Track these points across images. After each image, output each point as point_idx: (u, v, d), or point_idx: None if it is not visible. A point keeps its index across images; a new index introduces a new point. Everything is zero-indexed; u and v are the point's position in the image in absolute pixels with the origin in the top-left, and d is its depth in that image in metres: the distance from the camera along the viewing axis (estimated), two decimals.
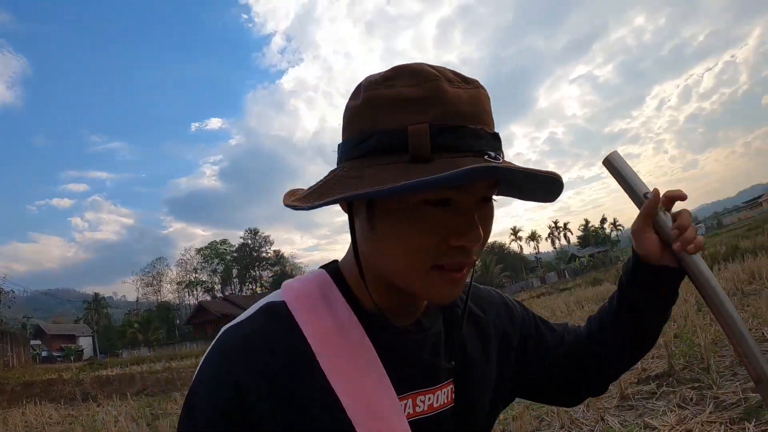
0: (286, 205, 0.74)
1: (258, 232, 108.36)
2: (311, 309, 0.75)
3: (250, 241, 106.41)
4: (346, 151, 0.72)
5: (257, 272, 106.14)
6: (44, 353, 51.06)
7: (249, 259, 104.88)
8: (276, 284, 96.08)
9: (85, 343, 63.00)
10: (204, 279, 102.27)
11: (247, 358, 0.69)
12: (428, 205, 0.67)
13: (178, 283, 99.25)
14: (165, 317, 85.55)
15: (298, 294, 0.77)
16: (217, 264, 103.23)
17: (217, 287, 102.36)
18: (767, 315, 5.20)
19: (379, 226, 0.70)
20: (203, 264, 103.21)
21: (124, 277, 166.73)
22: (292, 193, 0.79)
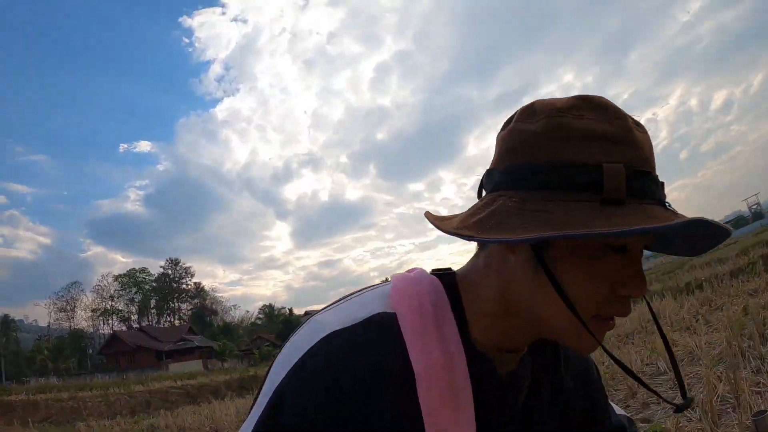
0: (451, 232, 0.68)
1: (179, 262, 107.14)
2: (423, 333, 0.69)
3: (170, 272, 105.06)
4: (513, 179, 0.67)
5: (176, 304, 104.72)
6: None
7: (168, 290, 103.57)
8: (196, 318, 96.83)
9: None
10: (120, 308, 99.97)
11: (349, 364, 0.66)
12: (608, 251, 0.64)
13: (93, 311, 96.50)
14: (77, 346, 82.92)
15: (411, 308, 0.71)
16: (135, 293, 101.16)
17: (134, 317, 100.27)
18: (663, 350, 5.00)
19: (547, 267, 0.65)
20: (120, 292, 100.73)
21: (36, 300, 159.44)
22: (439, 218, 0.76)
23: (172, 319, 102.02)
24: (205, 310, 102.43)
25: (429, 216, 0.75)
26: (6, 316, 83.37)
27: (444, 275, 0.77)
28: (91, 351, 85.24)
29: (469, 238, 0.66)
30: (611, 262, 0.65)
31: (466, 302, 0.74)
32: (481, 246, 0.76)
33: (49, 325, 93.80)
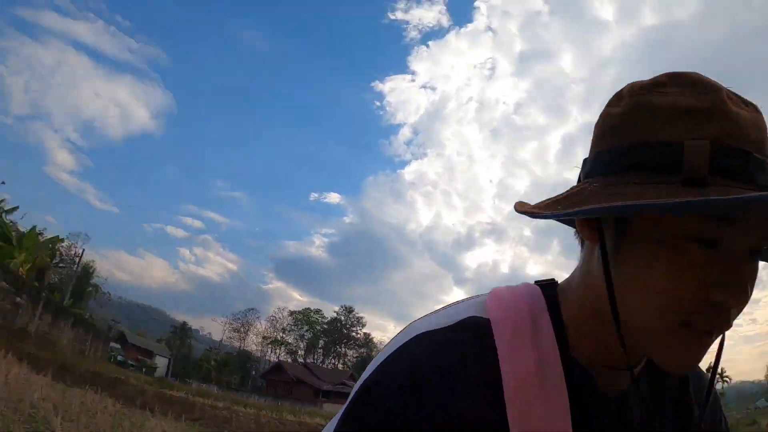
0: (521, 212, 0.66)
1: (352, 310, 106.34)
2: (516, 340, 0.63)
3: (342, 318, 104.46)
4: (599, 164, 0.62)
5: (343, 349, 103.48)
6: (120, 358, 50.51)
7: (338, 335, 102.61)
8: (360, 366, 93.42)
9: (161, 363, 62.37)
10: (289, 341, 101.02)
11: (432, 363, 0.62)
12: (692, 243, 0.55)
13: (264, 338, 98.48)
14: (242, 365, 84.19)
15: (507, 315, 0.66)
16: (306, 331, 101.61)
17: (300, 352, 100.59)
18: None
19: (626, 258, 0.59)
20: (292, 327, 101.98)
21: (214, 316, 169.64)
22: (523, 204, 0.69)
23: (336, 363, 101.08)
24: (370, 360, 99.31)
25: (516, 204, 0.70)
26: (185, 324, 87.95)
27: (547, 285, 0.72)
28: (254, 373, 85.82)
29: (532, 215, 0.64)
30: (699, 258, 0.55)
31: (564, 310, 0.68)
32: (581, 249, 0.71)
33: (221, 341, 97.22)
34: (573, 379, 0.62)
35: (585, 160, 0.67)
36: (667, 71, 0.61)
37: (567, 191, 0.65)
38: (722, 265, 0.54)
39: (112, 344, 52.03)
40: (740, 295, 0.54)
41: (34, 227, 33.14)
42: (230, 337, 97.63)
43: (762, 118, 0.58)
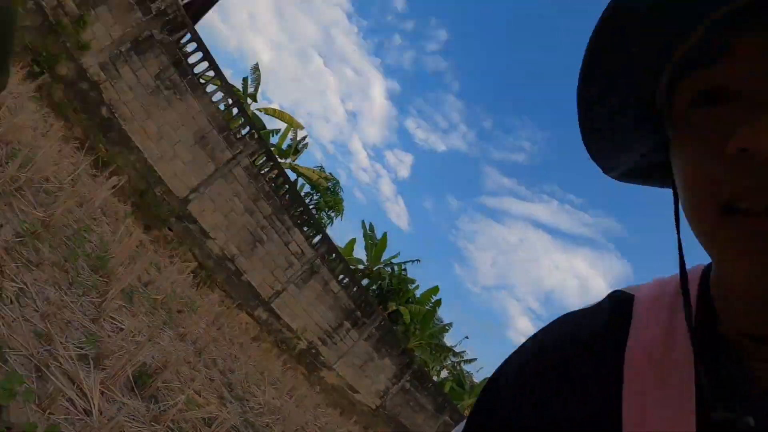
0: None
1: None
2: (650, 313, 0.55)
3: None
4: None
5: None
6: None
7: None
8: None
9: None
10: None
11: (555, 342, 0.59)
12: (695, 108, 0.45)
13: None
14: None
15: (653, 290, 0.58)
16: None
17: None
18: None
19: (673, 160, 0.50)
20: None
21: None
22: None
23: None
24: None
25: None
26: None
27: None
28: None
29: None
30: (706, 118, 0.44)
31: (712, 278, 0.55)
32: None
33: None
34: (714, 357, 0.50)
35: None
36: None
37: None
38: (738, 112, 0.42)
39: None
40: (761, 133, 0.39)
41: (486, 379, 35.60)
42: None
43: None
